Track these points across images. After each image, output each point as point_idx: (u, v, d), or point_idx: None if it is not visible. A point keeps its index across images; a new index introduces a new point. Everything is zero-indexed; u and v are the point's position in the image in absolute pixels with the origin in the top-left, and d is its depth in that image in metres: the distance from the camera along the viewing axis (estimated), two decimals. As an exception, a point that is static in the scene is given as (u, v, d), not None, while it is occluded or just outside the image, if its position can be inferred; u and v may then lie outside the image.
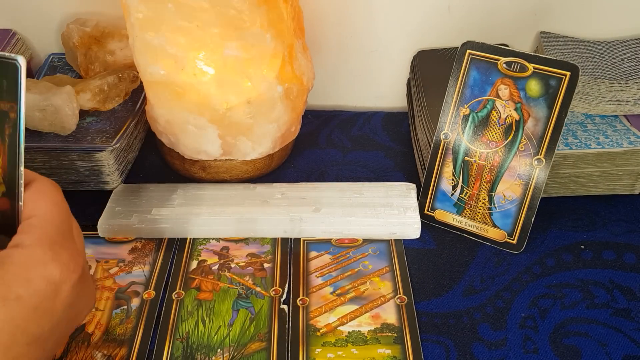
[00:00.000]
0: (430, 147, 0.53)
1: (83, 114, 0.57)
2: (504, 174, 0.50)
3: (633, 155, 0.53)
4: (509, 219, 0.50)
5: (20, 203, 0.31)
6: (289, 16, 0.52)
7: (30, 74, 0.67)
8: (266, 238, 0.52)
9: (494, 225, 0.51)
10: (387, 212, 0.52)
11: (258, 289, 0.48)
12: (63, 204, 0.32)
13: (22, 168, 0.30)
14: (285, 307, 0.46)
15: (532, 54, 0.47)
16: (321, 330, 0.44)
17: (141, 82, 0.58)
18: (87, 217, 0.53)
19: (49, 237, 0.30)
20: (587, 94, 0.56)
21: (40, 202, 0.31)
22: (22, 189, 0.31)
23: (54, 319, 0.30)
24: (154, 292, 0.47)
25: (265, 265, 0.50)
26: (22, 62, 0.29)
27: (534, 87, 0.48)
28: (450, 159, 0.52)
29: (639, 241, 0.52)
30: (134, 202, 0.54)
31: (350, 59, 0.69)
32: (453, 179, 0.52)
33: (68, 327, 0.32)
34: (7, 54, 0.29)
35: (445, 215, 0.53)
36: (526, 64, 0.47)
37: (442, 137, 0.52)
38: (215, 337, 0.44)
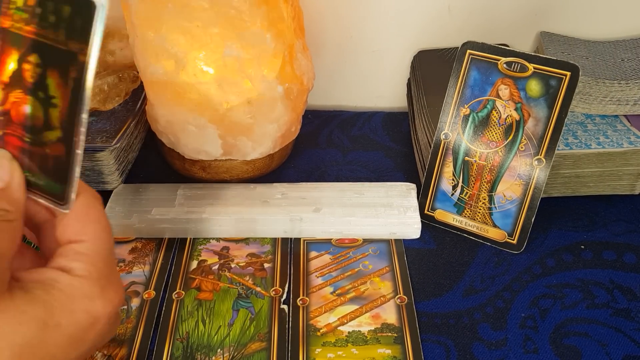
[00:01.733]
0: (431, 147, 0.53)
1: (83, 113, 0.57)
2: (504, 174, 0.50)
3: (633, 155, 0.53)
4: (509, 219, 0.50)
5: (77, 151, 0.29)
6: (289, 16, 0.52)
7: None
8: (266, 238, 0.52)
9: (494, 225, 0.51)
10: (387, 212, 0.52)
11: (258, 289, 0.48)
12: (109, 228, 0.31)
13: (84, 115, 0.28)
14: (285, 307, 0.46)
15: (533, 54, 0.47)
16: (321, 330, 0.44)
17: (141, 82, 0.57)
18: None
19: (98, 271, 0.29)
20: (588, 94, 0.56)
21: (90, 224, 0.30)
22: (82, 137, 0.29)
23: (83, 347, 0.30)
24: (154, 292, 0.47)
25: (266, 265, 0.50)
26: (102, 1, 0.26)
27: (534, 87, 0.48)
28: (450, 159, 0.52)
29: (639, 241, 0.52)
30: (134, 202, 0.54)
31: (350, 59, 0.69)
32: (453, 179, 0.52)
33: (91, 351, 0.32)
34: None
35: (446, 215, 0.53)
36: (526, 64, 0.47)
37: (443, 137, 0.52)
38: (216, 337, 0.44)
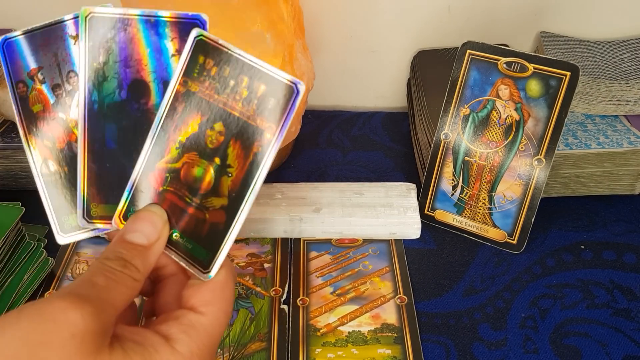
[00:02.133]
0: (431, 147, 0.53)
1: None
2: (504, 174, 0.50)
3: (633, 155, 0.53)
4: (509, 219, 0.50)
5: (239, 223, 0.29)
6: (289, 16, 0.52)
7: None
8: (266, 238, 0.52)
9: (494, 226, 0.51)
10: (387, 212, 0.52)
11: (258, 289, 0.48)
12: (230, 312, 0.30)
13: (256, 189, 0.28)
14: (285, 307, 0.46)
15: (533, 54, 0.47)
16: (321, 330, 0.44)
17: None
18: (87, 217, 0.53)
19: (200, 353, 0.28)
20: (588, 94, 0.56)
21: (218, 302, 0.29)
22: (247, 211, 0.29)
23: None
24: (154, 292, 0.47)
25: (266, 265, 0.50)
26: (301, 88, 0.27)
27: (534, 87, 0.48)
28: (450, 159, 0.52)
29: (639, 241, 0.52)
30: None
31: (350, 59, 0.69)
32: (453, 179, 0.52)
33: None
34: (289, 76, 0.28)
35: (446, 216, 0.53)
36: (526, 64, 0.47)
37: (443, 137, 0.52)
38: (216, 337, 0.44)
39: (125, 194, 0.30)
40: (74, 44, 0.31)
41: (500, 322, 0.45)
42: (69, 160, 0.31)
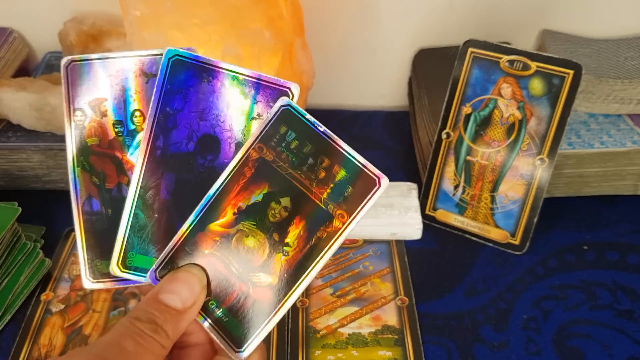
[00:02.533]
0: (432, 146, 0.52)
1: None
2: (506, 174, 0.49)
3: (636, 155, 0.52)
4: (512, 220, 0.50)
5: (287, 307, 0.27)
6: (288, 13, 0.51)
7: (27, 73, 0.67)
8: (265, 238, 0.52)
9: (496, 226, 0.51)
10: (388, 212, 0.52)
11: (257, 290, 0.47)
12: None
13: (309, 278, 0.27)
14: (284, 308, 0.46)
15: (535, 52, 0.47)
16: (321, 332, 0.44)
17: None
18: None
19: None
20: (591, 93, 0.56)
21: None
22: (297, 297, 0.27)
23: None
24: (152, 293, 0.47)
25: (265, 266, 0.49)
26: (384, 182, 0.27)
27: (536, 85, 0.47)
28: (451, 158, 0.51)
29: (642, 242, 0.52)
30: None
31: (350, 58, 0.68)
32: (455, 179, 0.52)
33: None
34: (374, 168, 0.27)
35: (447, 216, 0.53)
36: (529, 62, 0.47)
37: (444, 136, 0.51)
38: (214, 339, 0.43)
39: (167, 249, 0.28)
40: (147, 82, 0.29)
41: (502, 323, 0.45)
42: (115, 202, 0.29)
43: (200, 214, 0.28)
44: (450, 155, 0.51)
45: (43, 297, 0.47)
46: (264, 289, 0.27)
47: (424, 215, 0.53)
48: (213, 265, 0.28)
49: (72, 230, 0.52)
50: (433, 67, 0.63)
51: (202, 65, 0.28)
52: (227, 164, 0.28)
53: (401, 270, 0.49)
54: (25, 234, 0.47)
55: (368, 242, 0.52)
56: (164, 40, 0.48)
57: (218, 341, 0.27)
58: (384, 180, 0.27)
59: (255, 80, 0.28)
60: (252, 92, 0.28)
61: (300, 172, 0.27)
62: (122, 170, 0.29)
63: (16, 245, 0.46)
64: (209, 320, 0.28)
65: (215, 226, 0.28)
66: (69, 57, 0.29)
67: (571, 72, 0.46)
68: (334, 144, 0.27)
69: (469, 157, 0.51)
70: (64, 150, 0.53)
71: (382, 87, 0.71)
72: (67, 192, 0.59)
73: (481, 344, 0.43)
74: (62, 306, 0.46)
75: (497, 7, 0.64)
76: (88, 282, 0.29)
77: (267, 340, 0.43)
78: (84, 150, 0.29)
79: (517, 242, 0.50)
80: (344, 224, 0.27)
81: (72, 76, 0.29)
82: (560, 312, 0.46)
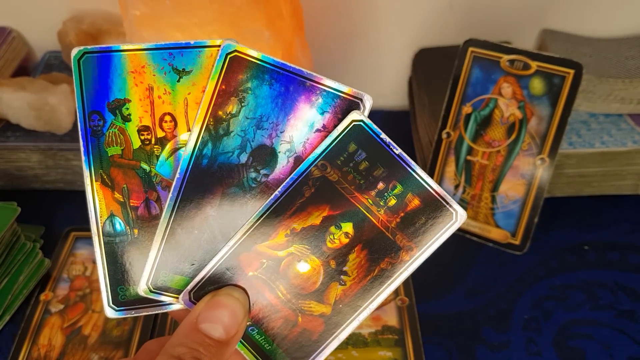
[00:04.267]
0: (432, 146, 0.52)
1: (80, 112, 0.57)
2: (506, 174, 0.49)
3: (637, 154, 0.52)
4: (512, 219, 0.50)
5: (341, 338, 0.25)
6: (288, 13, 0.51)
7: (26, 72, 0.66)
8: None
9: (497, 226, 0.51)
10: (388, 212, 0.52)
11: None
12: None
13: (365, 313, 0.25)
14: (284, 308, 0.46)
15: (536, 51, 0.47)
16: (321, 333, 0.44)
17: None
18: (83, 218, 0.53)
19: None
20: (591, 92, 0.55)
21: None
22: (352, 325, 0.25)
23: None
24: (152, 294, 0.47)
25: (265, 266, 0.49)
26: (461, 217, 0.24)
27: (537, 85, 0.47)
28: (452, 158, 0.51)
29: (643, 242, 0.51)
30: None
31: (350, 57, 0.68)
32: (455, 179, 0.51)
33: None
34: (453, 202, 0.24)
35: (447, 216, 0.52)
36: (529, 61, 0.47)
37: (444, 136, 0.51)
38: (214, 339, 0.43)
39: (207, 268, 0.25)
40: (178, 80, 0.25)
41: (503, 323, 0.45)
42: (142, 222, 0.25)
43: (247, 233, 0.25)
44: (450, 155, 0.51)
45: (42, 297, 0.47)
46: (315, 318, 0.25)
47: (424, 215, 0.53)
48: (256, 288, 0.25)
49: (72, 230, 0.52)
50: (433, 67, 0.62)
51: (264, 66, 0.25)
52: (283, 180, 0.25)
53: (401, 271, 0.49)
54: (24, 234, 0.47)
55: (368, 242, 0.52)
56: (163, 40, 0.48)
57: None
58: (461, 214, 0.24)
59: (324, 87, 0.25)
60: (320, 100, 0.25)
61: (368, 197, 0.25)
62: (150, 184, 0.25)
63: (15, 246, 0.46)
64: (250, 348, 0.25)
65: (263, 247, 0.25)
66: (81, 48, 0.24)
67: (572, 71, 0.46)
68: (410, 169, 0.24)
69: (469, 157, 0.50)
70: (63, 150, 0.53)
71: (382, 86, 0.71)
72: (67, 192, 0.59)
73: (482, 344, 0.43)
74: (62, 306, 0.46)
75: (498, 6, 0.64)
76: (111, 312, 0.26)
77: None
78: (103, 162, 0.25)
79: (517, 242, 0.50)
80: (411, 257, 0.24)
81: (86, 71, 0.25)
82: (561, 312, 0.45)
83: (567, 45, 0.61)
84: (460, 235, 0.52)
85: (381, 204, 0.25)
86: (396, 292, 0.47)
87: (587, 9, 0.64)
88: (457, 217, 0.24)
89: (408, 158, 0.25)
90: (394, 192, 0.24)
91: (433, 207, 0.24)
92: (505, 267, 0.49)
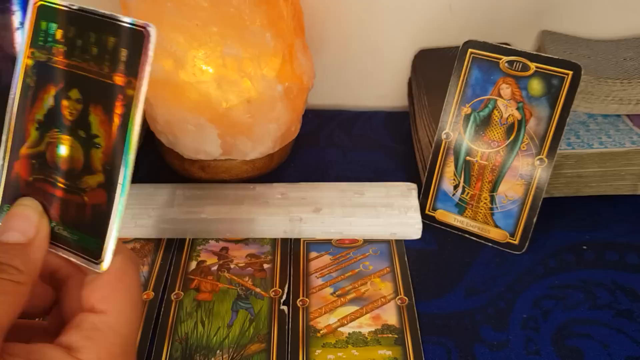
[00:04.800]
0: (432, 146, 0.52)
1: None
2: (505, 174, 0.49)
3: (636, 155, 0.53)
4: (511, 220, 0.50)
5: (121, 198, 0.25)
6: (289, 15, 0.52)
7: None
8: (266, 238, 0.52)
9: (496, 226, 0.51)
10: (387, 212, 0.52)
11: (258, 289, 0.47)
12: (140, 302, 0.27)
13: (131, 156, 0.25)
14: (285, 308, 0.46)
15: (534, 53, 0.47)
16: (321, 332, 0.44)
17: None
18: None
19: (114, 356, 0.24)
20: (590, 93, 0.56)
21: (118, 294, 0.26)
22: (127, 182, 0.25)
23: None
24: (153, 293, 0.47)
25: (265, 265, 0.49)
26: (151, 31, 0.24)
27: (536, 86, 0.47)
28: (451, 158, 0.51)
29: (641, 242, 0.52)
30: (132, 203, 0.53)
31: (350, 58, 0.68)
32: (454, 179, 0.52)
33: None
34: (135, 20, 0.24)
35: (447, 216, 0.53)
36: (528, 63, 0.47)
37: (444, 136, 0.51)
38: (215, 338, 0.43)
39: None
40: None
41: (502, 323, 0.45)
42: None
43: (9, 143, 0.26)
44: (449, 156, 0.51)
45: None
46: (96, 190, 0.26)
47: (424, 215, 0.53)
48: (42, 189, 0.26)
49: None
50: (433, 68, 0.63)
51: None
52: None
53: (401, 270, 0.49)
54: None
55: (368, 241, 0.52)
56: (164, 41, 0.48)
57: (78, 262, 0.26)
58: (151, 28, 0.24)
59: None
60: (7, 5, 0.27)
61: (76, 58, 0.25)
62: None
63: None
64: (62, 246, 0.26)
65: (25, 149, 0.26)
66: None
67: (570, 72, 0.46)
68: (93, 15, 0.25)
69: (468, 157, 0.51)
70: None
71: (382, 87, 0.71)
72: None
73: (481, 343, 0.43)
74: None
75: (497, 8, 0.64)
76: None
77: (267, 339, 0.43)
78: None
79: (516, 242, 0.50)
80: (135, 89, 0.25)
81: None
82: (559, 312, 0.46)
83: (566, 47, 0.62)
84: (459, 235, 0.52)
85: (87, 57, 0.25)
86: (396, 292, 0.47)
87: (586, 11, 0.64)
88: (148, 33, 0.24)
89: (89, 7, 0.25)
90: (91, 41, 0.25)
91: (125, 36, 0.25)
92: (504, 266, 0.50)
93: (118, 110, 0.25)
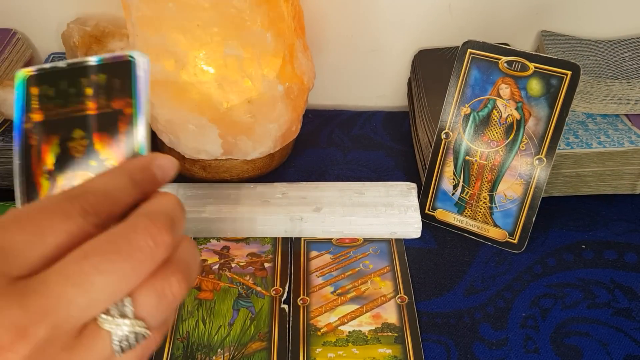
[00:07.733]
0: (431, 146, 0.53)
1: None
2: (505, 174, 0.50)
3: (634, 154, 0.53)
4: (510, 219, 0.50)
5: None
6: (289, 15, 0.52)
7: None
8: (267, 238, 0.52)
9: (495, 225, 0.51)
10: (387, 211, 0.52)
11: (258, 288, 0.48)
12: None
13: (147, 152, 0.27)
14: (285, 306, 0.46)
15: (533, 53, 0.47)
16: (322, 330, 0.44)
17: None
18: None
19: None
20: (589, 94, 0.56)
21: None
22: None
23: None
24: (155, 292, 0.47)
25: (266, 264, 0.50)
26: (136, 56, 0.26)
27: (535, 86, 0.47)
28: (451, 158, 0.52)
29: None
30: (134, 202, 0.53)
31: (351, 58, 0.69)
32: (454, 179, 0.52)
33: None
34: (118, 53, 0.26)
35: (446, 215, 0.53)
36: (527, 63, 0.47)
37: (443, 136, 0.52)
38: (216, 336, 0.44)
39: None
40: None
41: (501, 321, 0.45)
42: None
43: (22, 197, 0.27)
44: (449, 155, 0.52)
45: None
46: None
47: (424, 215, 0.54)
48: None
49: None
50: (432, 68, 0.63)
51: None
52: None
53: (401, 269, 0.49)
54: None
55: (368, 241, 0.52)
56: (165, 41, 0.49)
57: None
58: (136, 54, 0.26)
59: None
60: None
61: (72, 104, 0.27)
62: None
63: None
64: None
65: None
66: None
67: (569, 72, 0.46)
68: (79, 65, 0.26)
69: (468, 157, 0.51)
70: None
71: (382, 87, 0.71)
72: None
73: (480, 341, 0.44)
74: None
75: (496, 8, 0.64)
76: None
77: (268, 338, 0.44)
78: None
79: (515, 241, 0.51)
80: (132, 106, 0.26)
81: None
82: (558, 311, 0.46)
83: (565, 47, 0.62)
84: (459, 234, 0.53)
85: (83, 99, 0.27)
86: (396, 290, 0.47)
87: (585, 11, 0.64)
88: (133, 55, 0.26)
89: (72, 60, 0.27)
90: (84, 84, 0.27)
91: (114, 69, 0.26)
92: (504, 265, 0.50)
93: (121, 129, 0.26)
